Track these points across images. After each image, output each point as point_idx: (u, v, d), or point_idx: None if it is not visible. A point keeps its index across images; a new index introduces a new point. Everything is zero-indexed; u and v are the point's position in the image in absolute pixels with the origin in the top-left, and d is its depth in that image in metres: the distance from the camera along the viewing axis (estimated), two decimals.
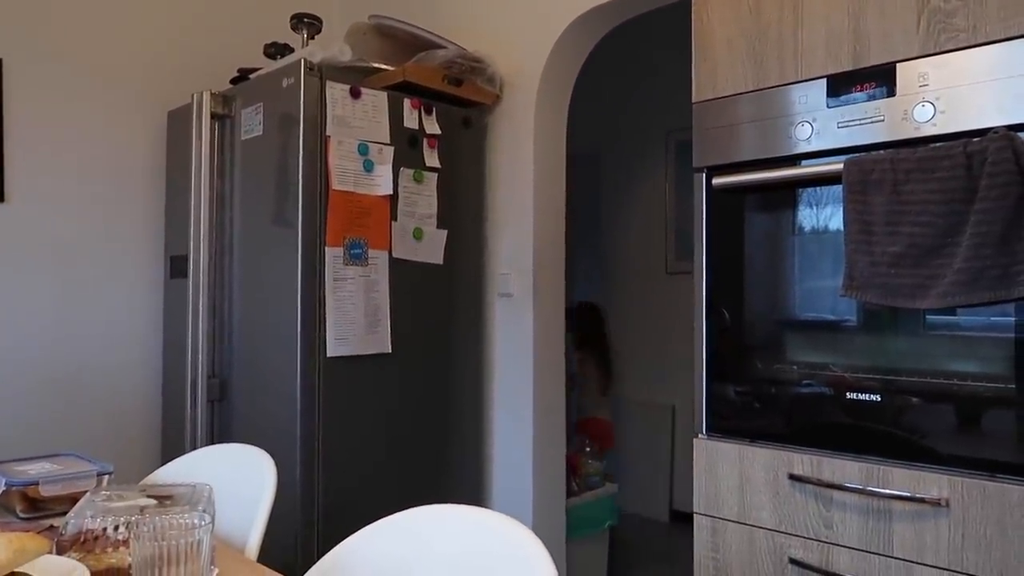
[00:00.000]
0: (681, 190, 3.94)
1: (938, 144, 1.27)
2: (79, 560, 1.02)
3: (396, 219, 2.28)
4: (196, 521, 1.03)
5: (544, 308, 2.50)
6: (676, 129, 3.95)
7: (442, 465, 2.43)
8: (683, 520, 3.82)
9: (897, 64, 1.34)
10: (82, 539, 1.04)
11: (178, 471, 1.62)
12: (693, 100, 1.64)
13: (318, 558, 1.20)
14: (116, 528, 1.06)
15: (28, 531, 0.96)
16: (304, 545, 2.05)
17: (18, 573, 0.93)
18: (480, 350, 2.56)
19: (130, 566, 1.00)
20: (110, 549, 1.04)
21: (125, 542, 1.06)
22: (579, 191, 4.20)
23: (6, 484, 1.29)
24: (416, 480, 2.34)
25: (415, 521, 1.17)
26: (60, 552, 1.04)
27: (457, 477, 2.47)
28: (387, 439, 2.26)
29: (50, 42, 2.46)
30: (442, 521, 1.15)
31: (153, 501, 1.16)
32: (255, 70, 2.49)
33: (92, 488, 1.32)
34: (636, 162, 4.18)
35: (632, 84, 4.18)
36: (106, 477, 1.39)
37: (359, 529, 1.20)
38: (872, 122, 1.36)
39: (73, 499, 1.30)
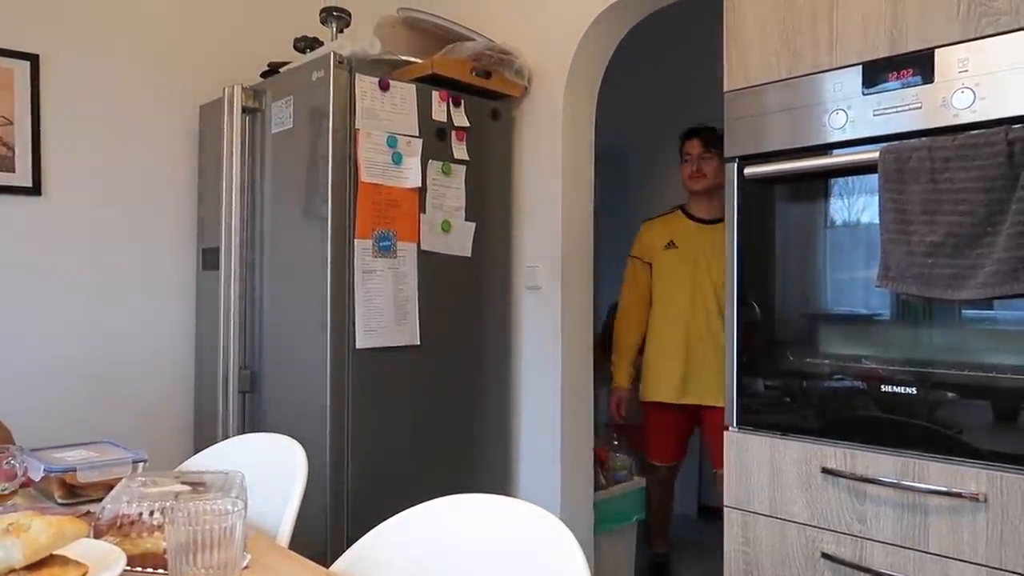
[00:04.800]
0: None
1: (978, 131, 1.24)
2: (115, 544, 1.03)
3: (424, 211, 2.28)
4: (229, 507, 1.04)
5: (572, 301, 2.49)
6: (704, 122, 3.90)
7: (469, 457, 2.43)
8: (712, 515, 3.79)
9: (936, 49, 1.31)
10: (118, 524, 1.06)
11: (211, 459, 1.64)
12: (724, 89, 1.62)
13: (347, 546, 1.21)
14: (151, 513, 1.07)
15: (66, 516, 0.98)
16: (333, 534, 2.07)
17: (57, 556, 0.95)
18: (508, 342, 2.56)
19: (165, 551, 1.01)
20: (145, 534, 1.06)
21: (160, 527, 1.07)
22: (606, 187, 4.17)
23: (45, 470, 1.31)
24: (443, 471, 2.35)
25: (447, 509, 1.17)
26: (97, 536, 1.06)
27: (484, 469, 2.48)
28: (415, 431, 2.27)
29: (85, 39, 2.50)
30: (473, 510, 1.15)
31: (187, 487, 1.17)
32: (285, 64, 2.50)
33: (127, 475, 1.35)
34: (663, 157, 4.14)
35: (659, 78, 4.14)
36: (141, 464, 1.41)
37: (388, 518, 1.21)
38: (909, 109, 1.33)
39: (109, 485, 1.32)
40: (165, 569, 1.02)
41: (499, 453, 2.53)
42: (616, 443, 3.01)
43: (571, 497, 2.48)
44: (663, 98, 4.14)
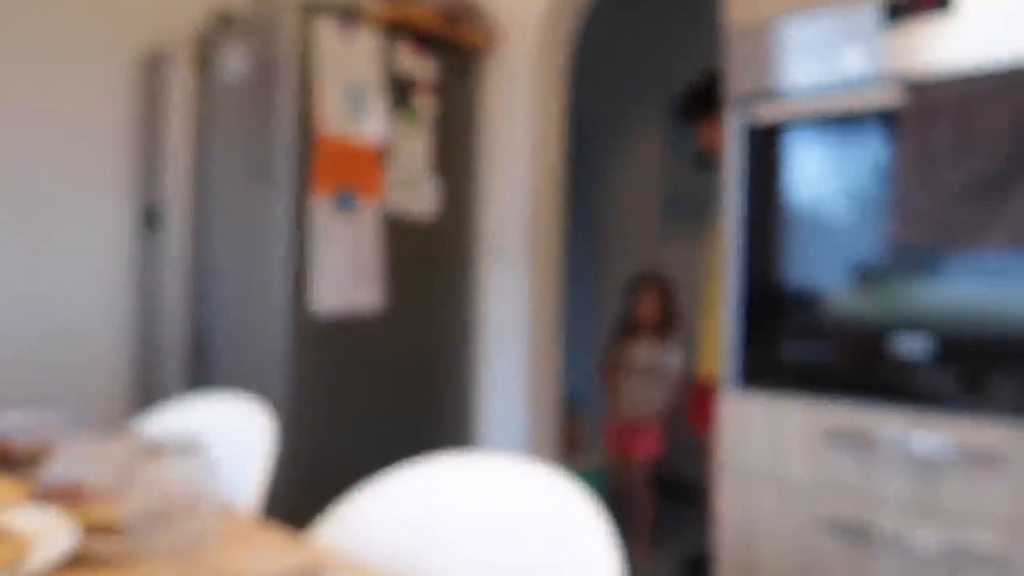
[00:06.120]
0: (672, 153, 3.84)
1: (1008, 68, 1.17)
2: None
3: (387, 168, 2.14)
4: (197, 471, 0.90)
5: (540, 265, 2.38)
6: (667, 89, 3.84)
7: (429, 426, 2.32)
8: (677, 487, 3.66)
9: None
10: (64, 491, 0.91)
11: (162, 422, 1.48)
12: (726, 21, 1.51)
13: (304, 519, 1.08)
14: (104, 478, 0.92)
15: None
16: (288, 505, 1.92)
17: None
18: (472, 306, 2.45)
19: (121, 521, 0.87)
20: (96, 502, 0.91)
21: (111, 495, 0.92)
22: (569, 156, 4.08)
23: None
24: (403, 442, 2.23)
25: (436, 471, 1.05)
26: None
27: (446, 439, 2.36)
28: (373, 399, 2.14)
29: None
30: (468, 471, 1.03)
31: (142, 451, 1.02)
32: (236, 8, 2.32)
33: (68, 440, 1.18)
34: (626, 125, 4.07)
35: (623, 51, 4.05)
36: (81, 430, 1.25)
37: (345, 489, 1.09)
38: (933, 44, 1.26)
39: (46, 453, 1.16)
40: (122, 541, 0.87)
41: (461, 424, 2.42)
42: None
43: None
44: (629, 72, 4.05)
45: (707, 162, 2.54)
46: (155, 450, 1.03)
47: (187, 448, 1.06)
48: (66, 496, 0.90)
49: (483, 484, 1.01)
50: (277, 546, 0.97)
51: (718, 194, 2.60)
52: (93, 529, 0.86)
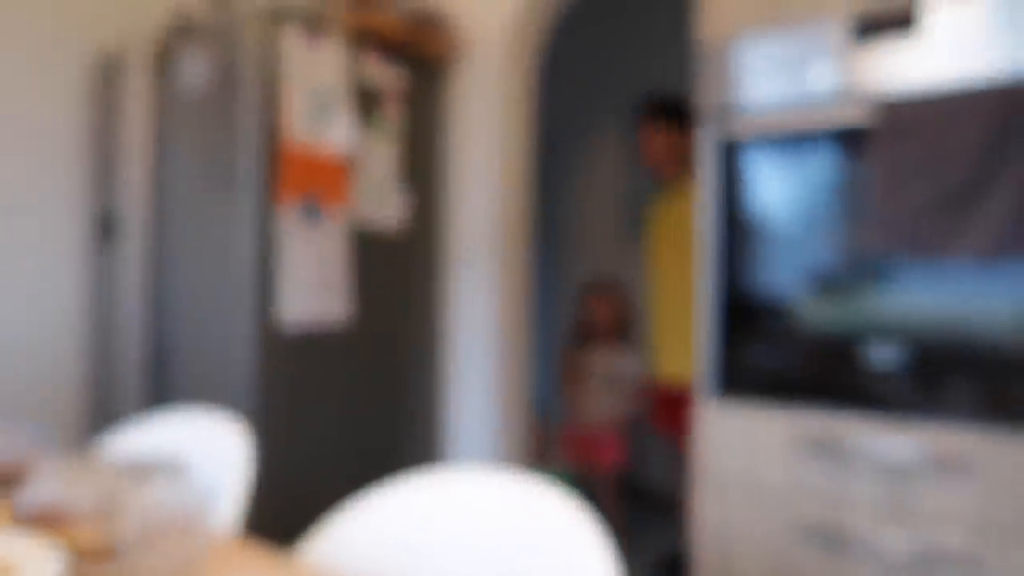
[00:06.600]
0: (632, 160, 3.88)
1: (973, 86, 1.22)
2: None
3: (354, 177, 2.13)
4: (185, 493, 0.89)
5: (508, 272, 2.39)
6: (630, 98, 3.88)
7: (399, 435, 2.30)
8: (640, 492, 3.68)
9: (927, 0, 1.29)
10: (46, 514, 0.88)
11: (134, 441, 1.44)
12: (699, 37, 1.54)
13: (274, 534, 1.07)
14: (86, 500, 0.90)
15: None
16: (257, 520, 1.89)
17: None
18: (440, 314, 2.44)
19: (110, 545, 0.85)
20: (80, 526, 0.89)
21: (95, 518, 0.90)
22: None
23: None
24: (372, 452, 2.21)
25: (425, 486, 1.05)
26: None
27: (415, 448, 2.35)
28: (342, 411, 2.12)
29: None
30: (454, 485, 1.03)
31: (125, 472, 1.00)
32: (197, 13, 2.27)
33: (42, 459, 1.14)
34: (588, 132, 4.11)
35: (586, 55, 4.09)
36: (54, 448, 1.21)
37: (314, 501, 1.08)
38: (899, 62, 1.31)
39: (19, 473, 1.12)
40: (111, 565, 0.85)
41: (430, 436, 2.40)
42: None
43: None
44: (592, 80, 4.09)
45: (650, 173, 2.61)
46: (138, 471, 1.01)
47: (171, 469, 1.03)
48: (48, 520, 0.87)
49: (470, 498, 1.01)
50: (264, 566, 0.95)
51: (653, 200, 2.68)
52: (81, 554, 0.84)
